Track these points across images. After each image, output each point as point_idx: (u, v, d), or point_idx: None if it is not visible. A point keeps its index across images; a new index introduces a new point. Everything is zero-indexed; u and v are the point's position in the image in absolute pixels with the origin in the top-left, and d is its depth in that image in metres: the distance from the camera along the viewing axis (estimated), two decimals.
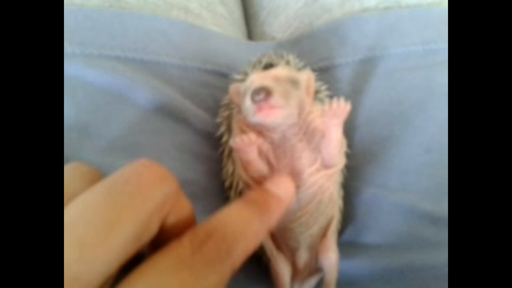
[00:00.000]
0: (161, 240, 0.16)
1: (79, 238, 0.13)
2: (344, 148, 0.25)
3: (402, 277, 0.25)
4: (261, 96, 0.21)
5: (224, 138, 0.27)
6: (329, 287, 0.24)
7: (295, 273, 0.25)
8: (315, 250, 0.25)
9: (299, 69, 0.26)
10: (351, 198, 0.28)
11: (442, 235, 0.25)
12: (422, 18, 0.32)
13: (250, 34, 0.41)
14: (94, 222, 0.14)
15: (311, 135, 0.23)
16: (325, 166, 0.24)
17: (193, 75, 0.30)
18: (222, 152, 0.27)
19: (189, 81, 0.30)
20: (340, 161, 0.25)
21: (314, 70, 0.31)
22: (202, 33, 0.32)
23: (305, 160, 0.23)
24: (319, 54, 0.32)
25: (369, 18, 0.32)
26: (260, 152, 0.23)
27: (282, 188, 0.20)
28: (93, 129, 0.25)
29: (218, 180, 0.27)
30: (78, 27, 0.27)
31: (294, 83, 0.23)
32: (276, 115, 0.21)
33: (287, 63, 0.26)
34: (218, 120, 0.27)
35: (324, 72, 0.31)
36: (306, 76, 0.24)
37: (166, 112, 0.27)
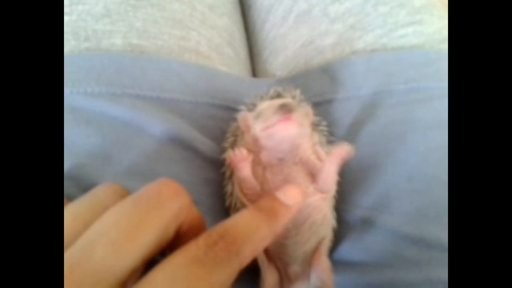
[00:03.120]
0: (177, 243, 0.19)
1: (113, 239, 0.17)
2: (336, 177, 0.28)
3: None
4: (285, 109, 0.24)
5: (227, 161, 0.29)
6: None
7: (288, 283, 0.27)
8: (308, 263, 0.27)
9: (300, 103, 0.29)
10: (341, 220, 0.31)
11: (420, 255, 0.28)
12: (404, 59, 0.35)
13: (254, 70, 0.45)
14: (124, 226, 0.17)
15: (306, 161, 0.27)
16: (320, 191, 0.27)
17: (202, 109, 0.33)
18: (224, 173, 0.30)
19: (199, 115, 0.33)
20: (333, 188, 0.28)
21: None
22: (211, 72, 0.35)
23: (300, 180, 0.27)
24: (312, 91, 0.36)
25: (356, 60, 0.36)
26: (256, 170, 0.26)
27: (290, 196, 0.23)
28: (116, 157, 0.28)
29: (222, 200, 0.30)
30: (104, 69, 0.31)
31: (303, 113, 0.26)
32: (294, 128, 0.25)
33: (293, 97, 0.29)
34: (225, 145, 0.30)
35: (317, 106, 0.35)
36: (308, 109, 0.28)
37: (178, 142, 0.31)
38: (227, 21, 0.42)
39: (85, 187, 0.27)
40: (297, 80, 0.37)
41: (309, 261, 0.27)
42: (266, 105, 0.26)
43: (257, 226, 0.20)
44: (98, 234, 0.17)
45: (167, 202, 0.19)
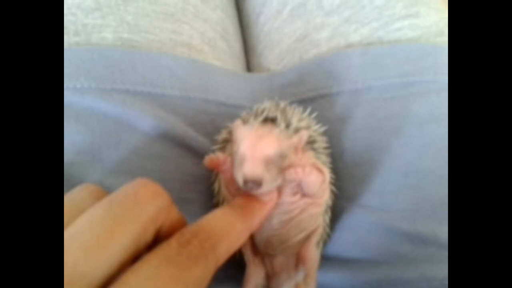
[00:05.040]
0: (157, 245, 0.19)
1: (85, 244, 0.16)
2: (327, 182, 0.27)
3: None
4: (251, 185, 0.22)
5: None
6: (309, 278, 0.26)
7: (273, 275, 0.27)
8: (295, 254, 0.27)
9: (297, 131, 0.25)
10: (337, 216, 0.30)
11: (416, 252, 0.28)
12: (400, 53, 0.35)
13: (249, 64, 0.44)
14: (98, 230, 0.16)
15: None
16: (308, 197, 0.26)
17: (194, 104, 0.33)
18: (212, 171, 0.29)
19: (191, 110, 0.32)
20: (321, 194, 0.27)
21: (302, 99, 0.35)
22: (203, 67, 0.35)
23: (285, 193, 0.26)
24: (307, 85, 0.35)
25: (352, 54, 0.35)
26: None
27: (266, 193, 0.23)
28: (105, 154, 0.28)
29: (214, 198, 0.30)
30: (94, 64, 0.30)
31: (282, 156, 0.24)
32: (259, 190, 0.23)
33: (287, 126, 0.25)
34: (216, 146, 0.29)
35: (311, 101, 0.34)
36: (298, 138, 0.25)
37: (169, 138, 0.30)
38: (220, 15, 0.41)
39: (74, 185, 0.26)
40: (292, 74, 0.37)
41: (296, 253, 0.27)
42: (245, 147, 0.23)
43: (232, 223, 0.20)
44: (70, 239, 0.16)
45: (144, 204, 0.18)
